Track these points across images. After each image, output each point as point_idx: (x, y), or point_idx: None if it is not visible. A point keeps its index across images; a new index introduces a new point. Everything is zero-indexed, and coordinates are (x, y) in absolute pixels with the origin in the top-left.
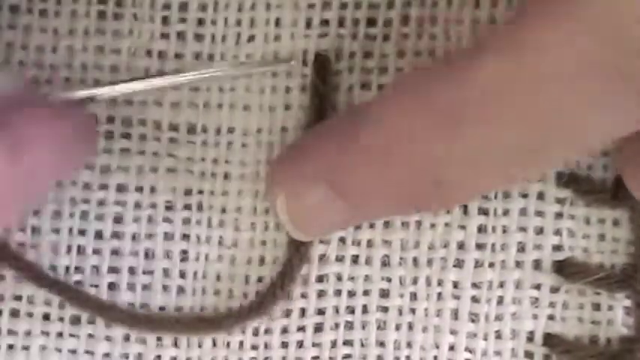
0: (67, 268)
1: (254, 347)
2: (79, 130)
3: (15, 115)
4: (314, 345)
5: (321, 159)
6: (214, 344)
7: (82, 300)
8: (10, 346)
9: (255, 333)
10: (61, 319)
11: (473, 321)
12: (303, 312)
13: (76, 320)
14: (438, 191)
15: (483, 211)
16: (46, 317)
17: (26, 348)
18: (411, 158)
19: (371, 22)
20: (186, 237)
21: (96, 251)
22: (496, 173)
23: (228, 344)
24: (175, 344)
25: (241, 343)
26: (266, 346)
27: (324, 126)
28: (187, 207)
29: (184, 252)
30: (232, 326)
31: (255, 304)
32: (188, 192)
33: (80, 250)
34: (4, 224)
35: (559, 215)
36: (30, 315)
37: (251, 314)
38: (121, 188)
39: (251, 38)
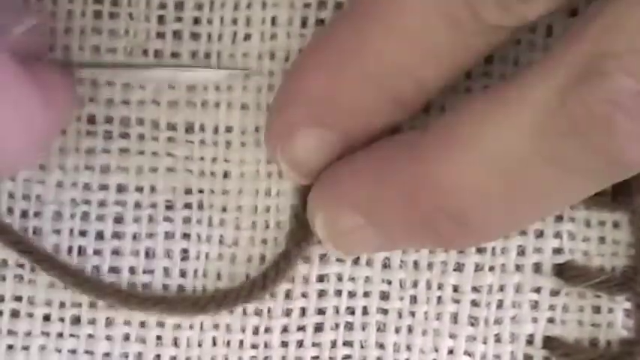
0: None
1: (254, 346)
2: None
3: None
4: (314, 345)
5: (357, 190)
6: (214, 343)
7: (72, 276)
8: (10, 347)
9: (255, 332)
10: (62, 320)
11: (472, 324)
12: (303, 311)
13: (76, 320)
14: (461, 230)
15: None
16: (47, 318)
17: (26, 348)
18: (435, 196)
19: None
20: (186, 236)
21: (97, 252)
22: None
23: (228, 343)
24: (175, 344)
25: (241, 342)
26: (266, 345)
27: (362, 155)
28: (188, 206)
29: (185, 251)
30: (218, 309)
31: (245, 291)
32: (188, 191)
33: (81, 250)
34: (32, 162)
35: (559, 218)
36: (30, 316)
37: (239, 300)
38: (120, 188)
39: (247, 37)
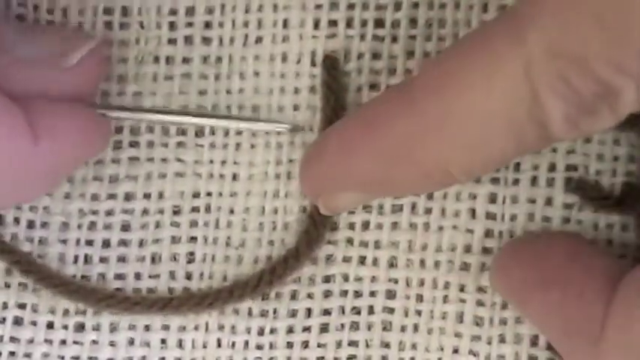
0: (74, 277)
1: (259, 347)
2: (94, 126)
3: (39, 101)
4: (319, 345)
5: (349, 171)
6: (219, 344)
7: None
8: (12, 354)
9: (261, 333)
10: (65, 327)
11: (477, 324)
12: (309, 312)
13: (80, 327)
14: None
15: (491, 216)
16: (50, 325)
17: (28, 356)
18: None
19: (379, 23)
20: (193, 239)
21: (103, 259)
22: None
23: (233, 344)
24: (180, 345)
25: (246, 343)
26: (271, 346)
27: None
28: (195, 209)
29: (191, 254)
30: (225, 304)
31: (251, 286)
32: (196, 194)
33: (87, 259)
34: (21, 200)
35: (566, 220)
36: (34, 323)
37: (245, 295)
38: (128, 196)
39: (259, 40)
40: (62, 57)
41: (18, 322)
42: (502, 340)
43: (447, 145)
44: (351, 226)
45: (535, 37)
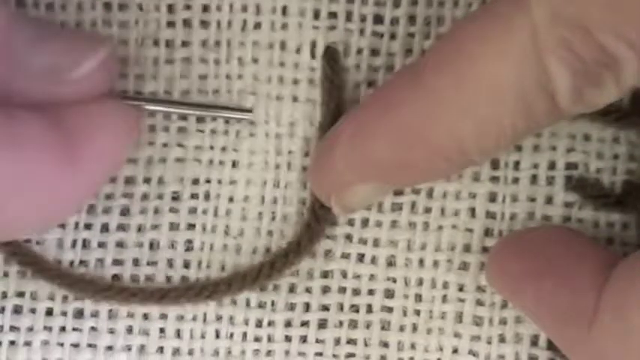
0: (72, 263)
1: (257, 339)
2: (126, 124)
3: (67, 111)
4: (317, 341)
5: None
6: (217, 335)
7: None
8: (12, 343)
9: (259, 325)
10: (64, 314)
11: (477, 324)
12: (307, 307)
13: (78, 314)
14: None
15: (490, 215)
16: (49, 312)
17: (28, 344)
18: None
19: (378, 19)
20: (191, 226)
21: (101, 244)
22: None
23: (231, 335)
24: (178, 335)
25: (244, 335)
26: (269, 338)
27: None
28: (194, 196)
29: (189, 241)
30: (221, 297)
31: (250, 278)
32: (195, 181)
33: (85, 243)
34: (60, 219)
35: (567, 219)
36: (33, 311)
37: (244, 287)
38: (129, 180)
39: (257, 25)
40: (72, 68)
41: (17, 310)
42: (502, 339)
43: (459, 120)
44: (351, 223)
45: (538, 4)
